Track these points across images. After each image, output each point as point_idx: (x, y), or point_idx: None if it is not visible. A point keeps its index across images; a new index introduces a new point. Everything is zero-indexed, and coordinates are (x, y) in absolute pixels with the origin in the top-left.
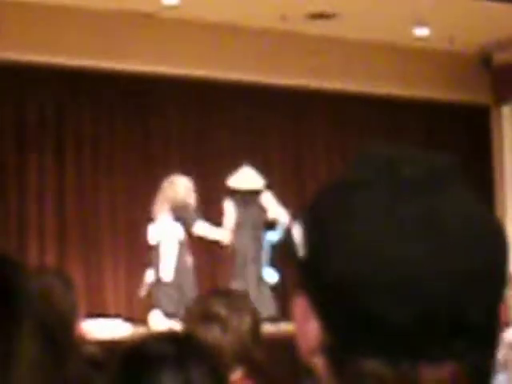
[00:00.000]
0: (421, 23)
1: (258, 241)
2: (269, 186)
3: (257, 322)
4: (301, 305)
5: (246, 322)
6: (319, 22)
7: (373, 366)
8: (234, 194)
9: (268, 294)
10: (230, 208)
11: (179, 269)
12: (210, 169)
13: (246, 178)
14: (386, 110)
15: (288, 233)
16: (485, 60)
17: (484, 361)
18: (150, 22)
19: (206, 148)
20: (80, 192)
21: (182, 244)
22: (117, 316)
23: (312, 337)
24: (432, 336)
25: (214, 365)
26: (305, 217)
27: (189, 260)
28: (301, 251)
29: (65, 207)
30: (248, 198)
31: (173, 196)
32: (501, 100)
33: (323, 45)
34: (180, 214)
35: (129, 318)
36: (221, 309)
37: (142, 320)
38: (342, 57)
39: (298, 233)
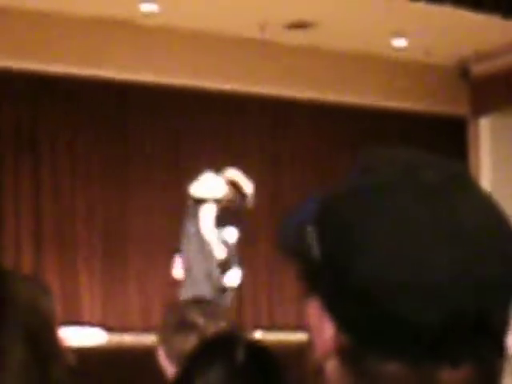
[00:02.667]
0: (399, 34)
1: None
2: None
3: (232, 326)
4: (315, 307)
5: (223, 327)
6: (297, 32)
7: (393, 367)
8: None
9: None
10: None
11: None
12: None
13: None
14: (363, 119)
15: (298, 233)
16: (463, 71)
17: (500, 363)
18: (128, 28)
19: (181, 156)
20: (56, 197)
21: None
22: (92, 324)
23: (328, 339)
24: (455, 338)
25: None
26: (321, 218)
27: None
28: (315, 251)
29: (41, 212)
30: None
31: None
32: (479, 112)
33: (301, 54)
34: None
35: (104, 326)
36: (197, 317)
37: (117, 328)
38: (319, 66)
39: (310, 233)
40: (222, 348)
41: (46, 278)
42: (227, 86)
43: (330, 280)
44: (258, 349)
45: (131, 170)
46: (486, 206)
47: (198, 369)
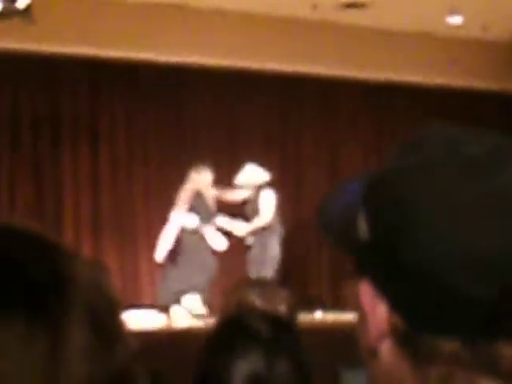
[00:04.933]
0: (454, 11)
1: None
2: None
3: (291, 309)
4: (366, 289)
5: (282, 310)
6: (351, 11)
7: (448, 346)
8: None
9: None
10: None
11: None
12: (240, 159)
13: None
14: (421, 98)
15: (347, 212)
16: None
17: None
18: (181, 12)
19: (236, 138)
20: (114, 181)
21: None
22: (152, 306)
23: (381, 320)
24: (509, 311)
25: (301, 355)
26: (370, 197)
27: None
28: (365, 232)
29: (100, 197)
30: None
31: (194, 186)
32: None
33: (355, 34)
34: (196, 205)
35: (164, 309)
36: (256, 299)
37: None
38: (374, 46)
39: (359, 213)
40: (246, 327)
41: (105, 259)
42: (280, 66)
43: (382, 259)
44: (282, 324)
45: (187, 153)
46: None
47: (232, 352)
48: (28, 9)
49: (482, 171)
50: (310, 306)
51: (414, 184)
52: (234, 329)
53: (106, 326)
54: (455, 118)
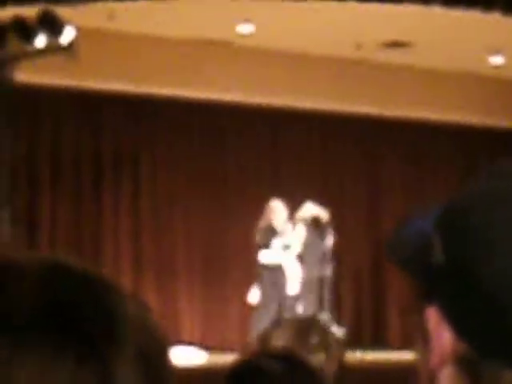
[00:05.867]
0: (495, 51)
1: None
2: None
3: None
4: (433, 314)
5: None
6: (393, 51)
7: (511, 377)
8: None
9: None
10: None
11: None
12: (283, 198)
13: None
14: (462, 139)
15: (418, 240)
16: None
17: None
18: (226, 50)
19: (280, 179)
20: (156, 217)
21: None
22: (192, 343)
23: (446, 346)
24: None
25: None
26: (445, 222)
27: None
28: (438, 257)
29: (141, 229)
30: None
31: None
32: None
33: (398, 73)
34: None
35: (204, 346)
36: (282, 339)
37: (216, 347)
38: (416, 85)
39: (433, 239)
40: (258, 367)
41: (146, 297)
42: (322, 105)
43: (455, 285)
44: (297, 361)
45: (230, 190)
46: None
47: None
48: (72, 45)
49: None
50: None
51: (491, 212)
52: (245, 369)
53: (157, 367)
54: (492, 157)
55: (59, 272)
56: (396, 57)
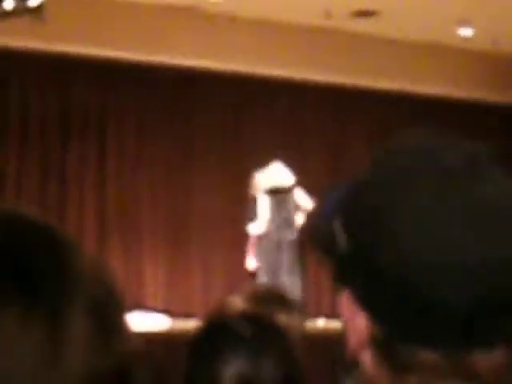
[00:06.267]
0: (464, 23)
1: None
2: (303, 182)
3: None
4: (346, 300)
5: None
6: (363, 20)
7: (426, 355)
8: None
9: None
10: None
11: None
12: (245, 165)
13: (276, 175)
14: (428, 109)
15: (325, 224)
16: None
17: None
18: (193, 15)
19: (243, 144)
20: (121, 182)
21: None
22: (155, 309)
23: (361, 330)
24: (485, 321)
25: (287, 348)
26: (346, 208)
27: None
28: (343, 243)
29: (106, 198)
30: (280, 197)
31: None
32: None
33: (366, 43)
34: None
35: (167, 311)
36: (242, 301)
37: (180, 313)
38: (384, 56)
39: (336, 225)
40: (226, 329)
41: (110, 263)
42: (290, 73)
43: (361, 270)
44: (262, 322)
45: (195, 155)
46: (509, 185)
47: (216, 356)
48: (40, 8)
49: (460, 183)
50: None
51: (391, 195)
52: (217, 330)
53: (108, 318)
54: (460, 130)
55: (13, 222)
56: (365, 26)
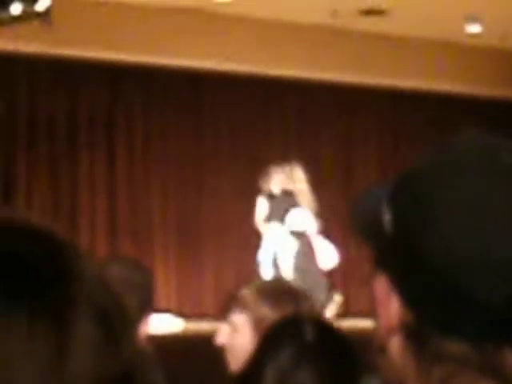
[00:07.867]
0: (472, 20)
1: None
2: (315, 181)
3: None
4: (382, 283)
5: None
6: (370, 19)
7: (456, 347)
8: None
9: None
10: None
11: None
12: (259, 162)
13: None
14: (437, 106)
15: (372, 211)
16: None
17: None
18: (200, 17)
19: (254, 144)
20: (131, 187)
21: None
22: (168, 311)
23: (393, 315)
24: None
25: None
26: (396, 194)
27: None
28: (389, 227)
29: (116, 202)
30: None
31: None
32: None
33: (374, 41)
34: None
35: (179, 313)
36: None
37: (192, 314)
38: (392, 53)
39: (385, 209)
40: (290, 329)
41: None
42: (298, 72)
43: (402, 255)
44: (327, 327)
45: (206, 157)
46: None
47: (268, 352)
48: (47, 12)
49: (510, 182)
50: None
51: (439, 183)
52: (283, 331)
53: (113, 325)
54: (469, 126)
55: (15, 228)
56: (372, 25)
